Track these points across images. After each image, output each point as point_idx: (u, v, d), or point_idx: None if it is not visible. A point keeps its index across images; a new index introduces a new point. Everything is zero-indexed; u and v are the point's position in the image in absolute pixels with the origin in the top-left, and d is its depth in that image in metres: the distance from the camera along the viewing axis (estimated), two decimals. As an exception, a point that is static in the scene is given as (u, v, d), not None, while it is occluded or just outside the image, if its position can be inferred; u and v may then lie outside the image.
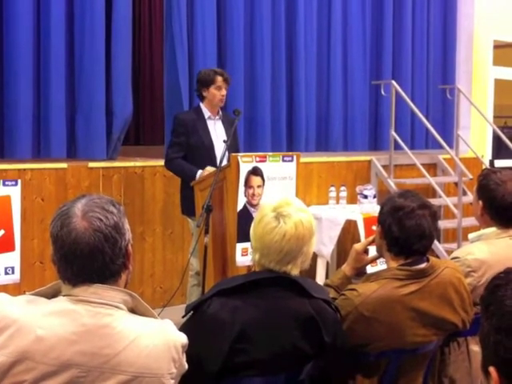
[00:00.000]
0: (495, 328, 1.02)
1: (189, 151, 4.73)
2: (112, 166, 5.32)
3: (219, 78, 4.75)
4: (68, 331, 1.64)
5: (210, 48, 6.07)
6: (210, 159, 4.66)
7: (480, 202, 2.78)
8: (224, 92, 4.79)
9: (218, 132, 4.81)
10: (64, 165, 5.10)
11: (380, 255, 2.54)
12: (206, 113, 4.82)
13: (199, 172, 4.54)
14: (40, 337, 1.62)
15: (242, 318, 2.04)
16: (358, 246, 2.62)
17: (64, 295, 1.70)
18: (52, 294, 1.73)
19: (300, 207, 2.17)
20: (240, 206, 4.32)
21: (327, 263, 5.81)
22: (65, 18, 5.34)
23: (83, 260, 1.67)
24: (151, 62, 9.63)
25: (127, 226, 1.75)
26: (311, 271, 5.75)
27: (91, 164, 5.21)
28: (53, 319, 1.65)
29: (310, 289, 2.13)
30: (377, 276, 2.38)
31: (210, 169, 4.49)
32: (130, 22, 5.78)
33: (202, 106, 4.84)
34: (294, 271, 2.14)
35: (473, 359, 2.62)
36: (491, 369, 1.02)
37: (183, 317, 2.15)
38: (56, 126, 5.29)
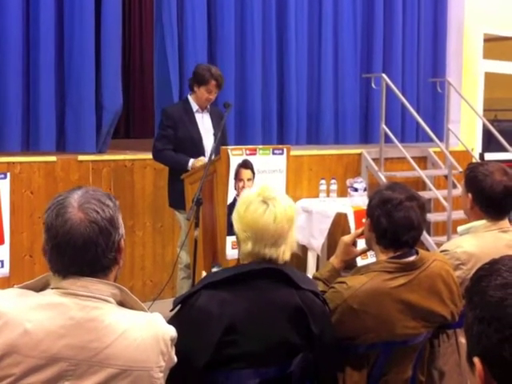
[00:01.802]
0: (479, 318, 1.03)
1: (177, 144, 4.72)
2: (101, 160, 5.30)
3: (213, 83, 4.71)
4: (56, 325, 1.64)
5: (200, 41, 6.05)
6: (199, 152, 4.66)
7: (469, 195, 2.78)
8: (213, 96, 4.77)
9: (205, 125, 4.81)
10: (53, 158, 5.08)
11: (369, 248, 2.55)
12: (194, 106, 4.81)
13: (191, 160, 4.53)
14: (28, 330, 1.62)
15: (231, 311, 2.04)
16: (346, 239, 2.62)
17: (53, 288, 1.69)
18: (41, 287, 1.73)
19: (280, 192, 2.23)
20: (230, 199, 4.32)
21: (317, 256, 5.82)
22: (54, 11, 5.31)
23: (76, 251, 1.67)
24: (141, 56, 9.59)
25: (121, 221, 1.76)
26: (302, 264, 5.76)
27: (81, 157, 5.19)
28: (41, 312, 1.65)
29: (298, 280, 2.14)
30: (366, 269, 2.39)
31: (202, 159, 4.49)
32: (120, 15, 5.76)
33: (191, 98, 4.83)
34: (287, 253, 2.16)
35: (462, 351, 2.63)
36: (475, 359, 1.03)
37: (171, 310, 2.15)
38: (45, 119, 5.27)
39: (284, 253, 2.14)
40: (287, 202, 2.19)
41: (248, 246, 2.14)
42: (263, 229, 2.11)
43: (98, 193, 1.74)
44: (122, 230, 1.75)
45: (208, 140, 4.67)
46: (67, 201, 1.70)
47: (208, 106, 4.87)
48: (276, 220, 2.11)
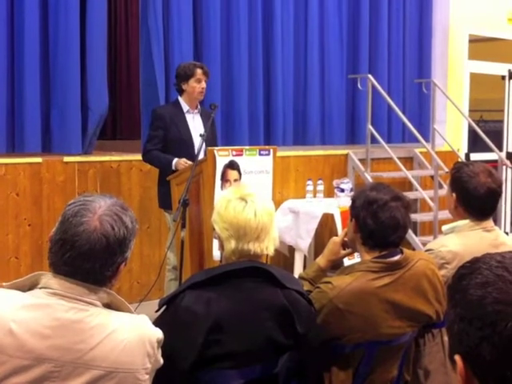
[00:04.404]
0: (460, 317, 1.04)
1: (167, 145, 4.71)
2: (87, 161, 5.28)
3: (199, 71, 4.74)
4: (42, 325, 1.63)
5: (186, 42, 6.04)
6: (189, 153, 4.64)
7: (453, 195, 2.80)
8: (204, 85, 4.78)
9: (196, 126, 4.81)
10: (39, 159, 5.05)
11: (353, 249, 2.56)
12: (185, 107, 4.81)
13: (175, 160, 4.53)
14: (13, 330, 1.62)
15: (216, 310, 2.04)
16: (336, 238, 2.63)
17: (41, 287, 1.69)
18: (29, 286, 1.72)
19: (255, 190, 2.27)
20: (217, 200, 4.30)
21: (305, 257, 5.82)
22: (39, 11, 5.29)
23: (77, 254, 1.67)
24: (127, 57, 9.57)
25: (132, 246, 1.76)
26: (289, 264, 5.76)
27: (66, 158, 5.17)
28: (27, 313, 1.64)
29: (283, 279, 2.14)
30: (351, 269, 2.39)
31: (184, 161, 4.48)
32: (106, 15, 5.74)
33: (181, 99, 4.83)
34: (270, 248, 2.18)
35: (447, 350, 2.64)
36: (457, 357, 1.04)
37: (157, 311, 2.15)
38: (31, 121, 5.25)
39: (267, 248, 2.17)
40: (264, 198, 2.24)
41: (231, 244, 2.15)
42: (245, 224, 2.13)
43: (124, 211, 1.75)
44: (127, 255, 1.75)
45: (198, 140, 4.67)
46: (92, 205, 1.71)
47: (199, 107, 4.86)
48: (256, 215, 2.14)
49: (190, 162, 4.41)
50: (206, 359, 2.04)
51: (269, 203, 2.23)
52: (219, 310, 2.05)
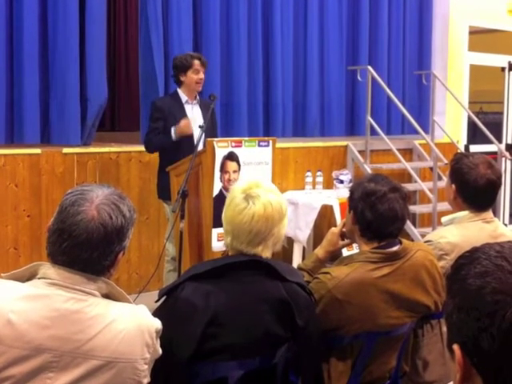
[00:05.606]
0: (458, 307, 1.03)
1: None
2: (86, 152, 5.28)
3: (196, 62, 4.74)
4: (41, 316, 1.64)
5: (185, 33, 6.03)
6: (188, 144, 4.64)
7: (453, 186, 2.80)
8: (202, 75, 4.78)
9: (195, 117, 4.80)
10: (38, 150, 5.05)
11: (351, 240, 2.55)
12: (184, 97, 4.81)
13: (173, 128, 4.54)
14: (12, 321, 1.62)
15: (215, 303, 2.04)
16: (334, 229, 2.63)
17: (39, 278, 1.69)
18: (27, 277, 1.72)
19: (270, 188, 2.16)
20: (216, 191, 4.31)
21: (303, 248, 5.83)
22: (38, 3, 5.27)
23: (74, 244, 1.67)
24: (126, 48, 9.54)
25: (130, 236, 1.75)
26: (288, 256, 5.77)
27: (65, 150, 5.17)
28: (26, 303, 1.64)
29: (284, 272, 2.13)
30: (350, 259, 2.39)
31: (184, 121, 4.48)
32: (105, 6, 5.72)
33: (180, 91, 4.83)
34: (265, 253, 2.14)
35: (446, 341, 2.64)
36: (455, 346, 1.04)
37: (156, 301, 2.15)
38: (30, 112, 5.24)
39: (262, 251, 2.12)
40: (271, 200, 2.11)
41: (228, 240, 2.14)
42: (239, 227, 2.10)
43: (122, 200, 1.74)
44: (125, 244, 1.75)
45: (198, 131, 4.67)
46: (90, 194, 1.71)
47: (197, 97, 4.86)
48: (253, 220, 2.08)
49: (187, 121, 4.44)
50: (205, 352, 2.03)
51: (272, 209, 2.10)
52: (218, 303, 2.04)
